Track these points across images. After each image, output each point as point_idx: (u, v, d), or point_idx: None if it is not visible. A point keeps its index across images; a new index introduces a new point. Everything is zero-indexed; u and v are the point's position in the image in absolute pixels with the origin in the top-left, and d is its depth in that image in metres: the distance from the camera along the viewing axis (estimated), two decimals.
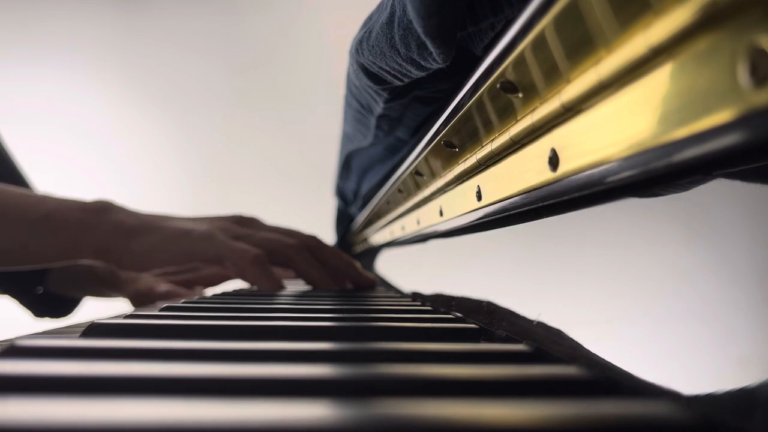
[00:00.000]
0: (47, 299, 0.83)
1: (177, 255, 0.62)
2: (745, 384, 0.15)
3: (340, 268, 0.68)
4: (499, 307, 0.34)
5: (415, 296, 0.57)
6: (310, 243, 0.68)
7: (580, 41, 0.21)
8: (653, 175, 0.19)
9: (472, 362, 0.24)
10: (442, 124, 0.39)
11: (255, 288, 0.65)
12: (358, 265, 0.71)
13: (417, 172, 0.50)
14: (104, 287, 0.82)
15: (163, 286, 0.79)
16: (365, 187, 0.87)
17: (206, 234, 0.63)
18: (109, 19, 2.62)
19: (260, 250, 0.63)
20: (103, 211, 0.63)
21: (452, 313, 0.41)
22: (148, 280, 0.79)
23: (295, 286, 0.69)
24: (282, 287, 0.63)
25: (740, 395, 0.16)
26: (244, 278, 0.66)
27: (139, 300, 0.79)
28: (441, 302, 0.47)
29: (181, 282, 0.82)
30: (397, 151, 0.62)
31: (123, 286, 0.80)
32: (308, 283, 0.67)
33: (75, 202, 0.64)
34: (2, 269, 0.74)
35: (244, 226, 0.69)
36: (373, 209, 0.81)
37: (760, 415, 0.15)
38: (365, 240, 1.00)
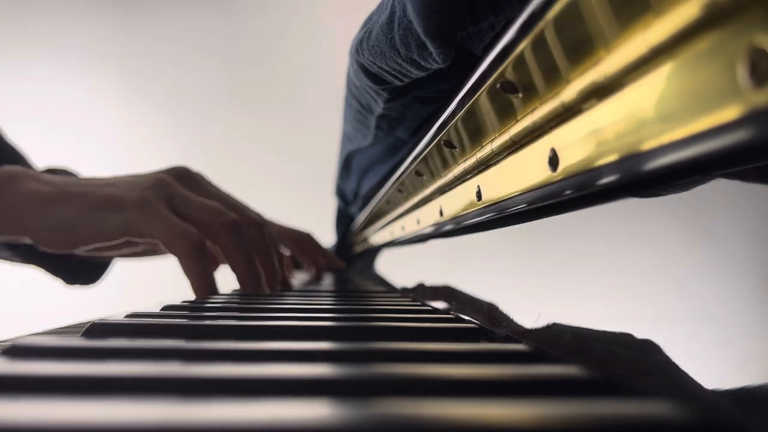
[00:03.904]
0: (76, 265, 0.74)
1: (105, 231, 0.52)
2: (745, 384, 0.15)
3: (311, 253, 0.65)
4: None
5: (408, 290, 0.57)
6: (260, 222, 0.58)
7: (579, 41, 0.21)
8: (653, 175, 0.19)
9: (472, 362, 0.24)
10: (442, 124, 0.39)
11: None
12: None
13: (417, 172, 0.50)
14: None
15: None
16: (365, 187, 0.87)
17: (140, 203, 0.52)
18: (109, 20, 2.62)
19: (199, 235, 0.53)
20: (10, 180, 0.53)
21: (452, 312, 0.41)
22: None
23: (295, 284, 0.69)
24: (213, 291, 0.54)
25: (740, 395, 0.16)
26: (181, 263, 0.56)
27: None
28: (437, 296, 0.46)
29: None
30: (397, 151, 0.62)
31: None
32: (235, 273, 0.56)
33: None
34: None
35: (185, 184, 0.58)
36: (373, 209, 0.81)
37: (760, 415, 0.15)
38: (365, 240, 1.00)
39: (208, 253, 0.54)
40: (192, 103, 2.60)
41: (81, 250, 0.54)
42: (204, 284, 0.54)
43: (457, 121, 0.36)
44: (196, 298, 0.55)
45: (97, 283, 0.79)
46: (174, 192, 0.55)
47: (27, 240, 0.54)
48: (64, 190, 0.53)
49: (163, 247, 0.53)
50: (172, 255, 0.55)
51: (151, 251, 0.65)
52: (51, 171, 0.80)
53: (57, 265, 0.74)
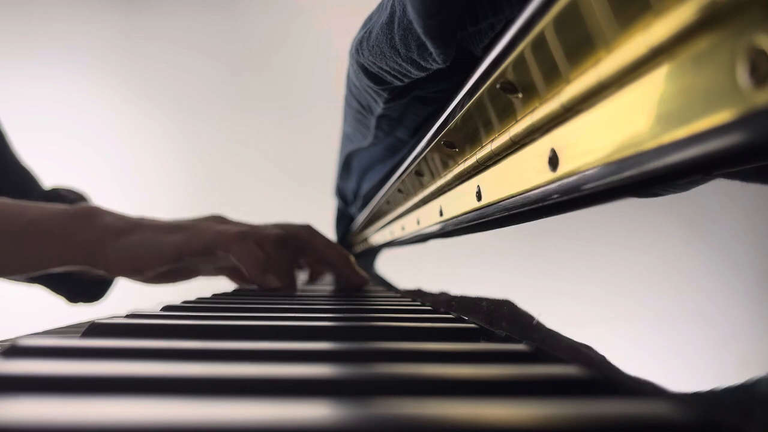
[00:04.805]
0: (78, 283, 0.79)
1: (166, 251, 0.62)
2: (745, 384, 0.15)
3: (335, 263, 0.69)
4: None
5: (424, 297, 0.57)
6: (302, 234, 0.71)
7: (579, 42, 0.21)
8: (653, 175, 0.19)
9: (472, 362, 0.24)
10: (442, 124, 0.39)
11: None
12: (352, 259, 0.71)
13: (417, 172, 0.50)
14: None
15: None
16: (365, 187, 0.87)
17: (193, 227, 0.64)
18: (110, 20, 2.62)
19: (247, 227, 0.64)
20: (90, 216, 0.63)
21: (452, 312, 0.41)
22: None
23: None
24: (264, 267, 0.62)
25: (740, 395, 0.16)
26: (230, 275, 0.69)
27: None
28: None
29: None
30: (397, 151, 0.62)
31: None
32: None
33: (59, 209, 0.63)
34: None
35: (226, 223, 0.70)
36: (373, 209, 0.81)
37: (760, 414, 0.15)
38: (365, 240, 1.00)
39: (254, 243, 0.63)
40: (192, 104, 2.60)
41: (147, 276, 0.65)
42: (257, 263, 0.61)
43: (457, 121, 0.36)
44: (195, 299, 0.55)
45: (99, 301, 0.81)
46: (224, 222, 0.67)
47: (97, 271, 0.64)
48: (134, 224, 0.64)
49: (216, 254, 0.62)
50: (224, 258, 0.64)
51: (205, 270, 0.74)
52: (56, 189, 0.81)
53: (60, 283, 0.77)
